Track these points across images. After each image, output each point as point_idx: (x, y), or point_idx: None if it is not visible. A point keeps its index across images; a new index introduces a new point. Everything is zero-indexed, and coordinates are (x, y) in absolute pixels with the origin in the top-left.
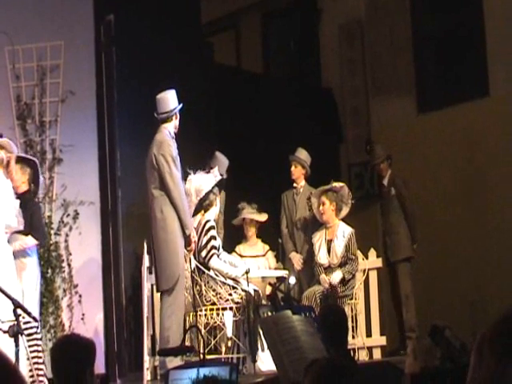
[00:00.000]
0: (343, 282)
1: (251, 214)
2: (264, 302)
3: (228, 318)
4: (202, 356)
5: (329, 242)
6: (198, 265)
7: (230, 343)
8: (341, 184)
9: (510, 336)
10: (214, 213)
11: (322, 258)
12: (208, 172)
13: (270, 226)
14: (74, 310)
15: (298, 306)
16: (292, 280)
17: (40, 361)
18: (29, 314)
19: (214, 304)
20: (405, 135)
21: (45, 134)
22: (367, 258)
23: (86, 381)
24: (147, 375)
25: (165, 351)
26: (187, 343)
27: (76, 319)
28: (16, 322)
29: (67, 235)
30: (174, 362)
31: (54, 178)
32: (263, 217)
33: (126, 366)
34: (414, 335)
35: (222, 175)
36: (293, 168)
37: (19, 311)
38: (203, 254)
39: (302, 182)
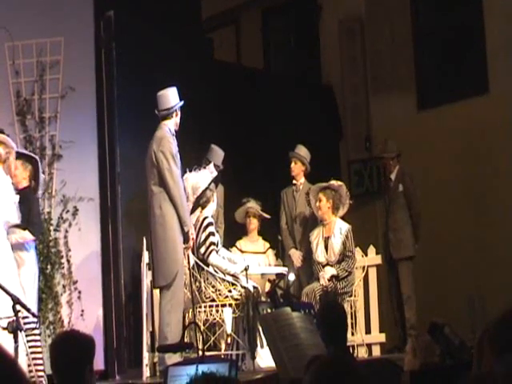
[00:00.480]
0: (336, 278)
1: (257, 207)
2: (263, 298)
3: (227, 315)
4: (201, 352)
5: (326, 240)
6: (198, 261)
7: (229, 340)
8: (339, 183)
9: (510, 333)
10: (211, 209)
11: (319, 255)
12: (205, 167)
13: (269, 222)
14: (73, 307)
15: (298, 302)
16: (291, 277)
17: (39, 356)
18: (28, 310)
19: (213, 300)
20: (405, 132)
21: (44, 130)
22: (366, 254)
23: (85, 377)
24: (146, 372)
25: (164, 348)
26: (186, 340)
27: (75, 315)
28: (15, 318)
29: (67, 231)
30: (173, 358)
31: (54, 174)
32: (267, 214)
33: (126, 362)
34: (415, 333)
35: (218, 166)
36: (293, 164)
37: (18, 307)
38: (202, 250)
39: (302, 179)
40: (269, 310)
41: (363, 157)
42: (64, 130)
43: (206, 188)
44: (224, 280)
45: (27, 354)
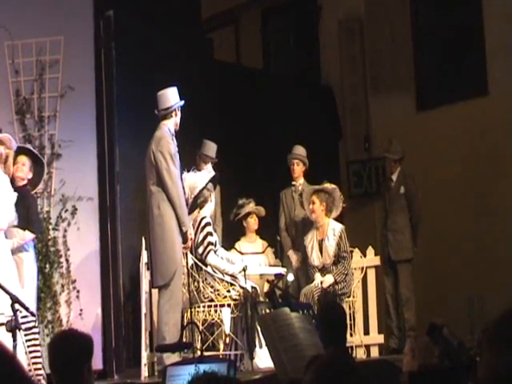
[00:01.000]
0: (336, 283)
1: (256, 208)
2: (262, 298)
3: (226, 315)
4: (199, 352)
5: (320, 242)
6: (196, 261)
7: (227, 340)
8: (333, 186)
9: (509, 333)
10: (209, 209)
11: (314, 259)
12: (199, 164)
13: (269, 223)
14: (71, 306)
15: (296, 303)
16: (290, 277)
17: (38, 354)
18: (27, 308)
19: (211, 301)
20: (404, 133)
21: (44, 129)
22: (365, 255)
23: (84, 376)
24: (145, 371)
25: (162, 347)
26: (185, 340)
27: (74, 314)
28: (14, 317)
29: (65, 230)
30: (171, 358)
31: (53, 173)
32: (263, 211)
33: (124, 361)
34: (414, 334)
35: (212, 158)
36: (295, 166)
37: (17, 306)
38: (200, 250)
39: (301, 180)
40: (267, 311)
41: (362, 157)
42: (63, 130)
43: (204, 188)
44: (223, 280)
45: (26, 353)
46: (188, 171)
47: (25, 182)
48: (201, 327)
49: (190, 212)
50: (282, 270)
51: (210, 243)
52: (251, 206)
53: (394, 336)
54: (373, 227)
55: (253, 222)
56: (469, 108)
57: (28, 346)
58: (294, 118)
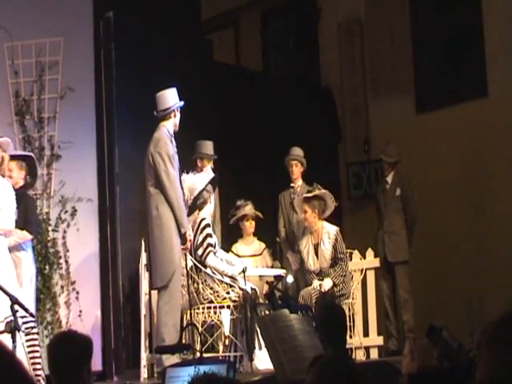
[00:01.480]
0: (335, 285)
1: (252, 211)
2: (261, 300)
3: (225, 317)
4: (199, 354)
5: (316, 246)
6: (195, 262)
7: (227, 341)
8: (323, 190)
9: (509, 334)
10: (208, 211)
11: (311, 264)
12: (197, 165)
13: (267, 224)
14: (71, 307)
15: (296, 304)
16: (290, 279)
17: (37, 355)
18: (26, 310)
19: (211, 302)
20: (403, 135)
21: (43, 131)
22: (365, 257)
23: (83, 377)
24: (144, 373)
25: (162, 349)
26: (184, 341)
27: (73, 316)
28: (13, 318)
29: (65, 232)
30: (170, 359)
31: (52, 174)
32: (259, 214)
33: (123, 363)
34: (413, 336)
35: (213, 155)
36: (294, 167)
37: (16, 307)
38: (199, 252)
39: (300, 182)
40: (267, 312)
41: (362, 159)
42: (63, 131)
43: (203, 189)
44: (222, 282)
45: (25, 354)
46: (187, 173)
47: (21, 184)
48: (200, 329)
49: (190, 213)
50: (282, 272)
51: (209, 245)
52: (247, 209)
53: (393, 338)
54: (372, 229)
55: (249, 225)
56: (468, 109)
57: (27, 347)
58: (294, 119)
